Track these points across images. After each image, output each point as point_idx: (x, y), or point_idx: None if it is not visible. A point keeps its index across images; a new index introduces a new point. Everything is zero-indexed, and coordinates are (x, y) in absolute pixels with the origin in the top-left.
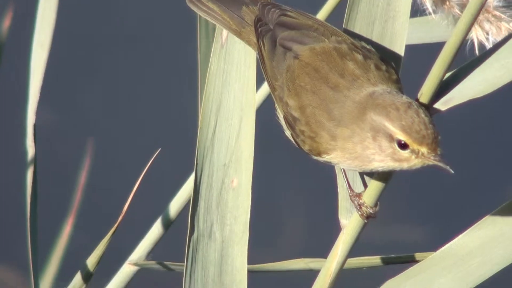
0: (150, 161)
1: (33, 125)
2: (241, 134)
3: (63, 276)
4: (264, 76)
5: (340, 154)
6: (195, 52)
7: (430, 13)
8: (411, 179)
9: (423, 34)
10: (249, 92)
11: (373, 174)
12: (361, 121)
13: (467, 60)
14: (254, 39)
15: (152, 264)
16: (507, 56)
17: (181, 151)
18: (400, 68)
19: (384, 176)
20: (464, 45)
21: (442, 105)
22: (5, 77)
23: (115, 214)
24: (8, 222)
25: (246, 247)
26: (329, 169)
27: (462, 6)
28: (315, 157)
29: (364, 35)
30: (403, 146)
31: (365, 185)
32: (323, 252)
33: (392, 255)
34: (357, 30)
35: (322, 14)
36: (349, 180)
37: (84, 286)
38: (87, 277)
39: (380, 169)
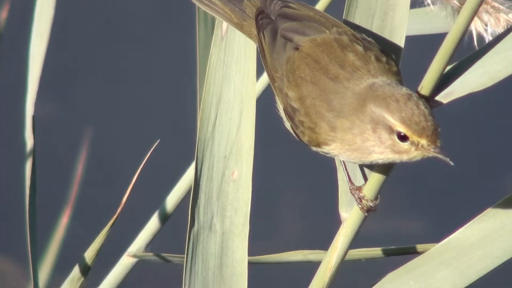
0: (149, 153)
1: (31, 117)
2: (242, 126)
3: (61, 268)
4: (264, 68)
5: (340, 145)
6: (194, 43)
7: (428, 4)
8: (411, 171)
9: (421, 25)
10: (249, 84)
11: (373, 167)
12: (361, 113)
13: (467, 52)
14: (255, 32)
15: (151, 256)
16: (508, 49)
17: (179, 143)
18: (400, 60)
19: (384, 169)
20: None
21: (442, 98)
22: (4, 69)
23: (113, 205)
24: (6, 214)
25: (247, 239)
26: (329, 162)
27: None
28: (314, 149)
29: (364, 28)
30: (402, 138)
31: (365, 178)
32: (323, 245)
33: (393, 247)
34: (357, 23)
35: (320, 6)
36: (349, 173)
37: (83, 278)
38: (86, 269)
39: (380, 161)
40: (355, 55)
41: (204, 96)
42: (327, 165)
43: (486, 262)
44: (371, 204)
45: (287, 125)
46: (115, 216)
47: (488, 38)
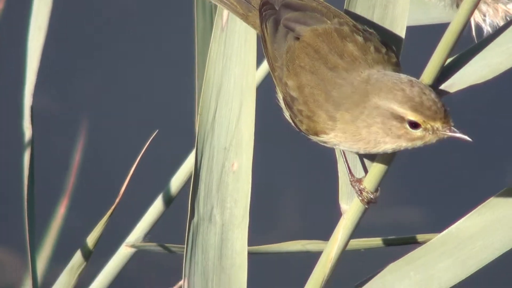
0: (147, 143)
1: (30, 107)
2: (241, 118)
3: (60, 259)
4: (266, 57)
5: (341, 135)
6: (193, 32)
7: None
8: (411, 162)
9: (419, 15)
10: (249, 75)
11: (374, 159)
12: (364, 107)
13: (465, 42)
14: (259, 22)
15: (149, 246)
16: (508, 42)
17: (178, 133)
18: (401, 51)
19: (384, 161)
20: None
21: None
22: (2, 60)
23: (112, 196)
24: (4, 204)
25: (246, 230)
26: (330, 154)
27: None
28: (312, 138)
29: (365, 19)
30: (414, 125)
31: (365, 170)
32: (324, 237)
33: (393, 237)
34: (358, 13)
35: None
36: (349, 165)
37: (81, 268)
38: (84, 259)
39: (390, 150)
40: (354, 45)
41: (204, 88)
42: (327, 157)
43: (487, 253)
44: (372, 196)
45: (286, 114)
46: (113, 206)
47: (486, 28)
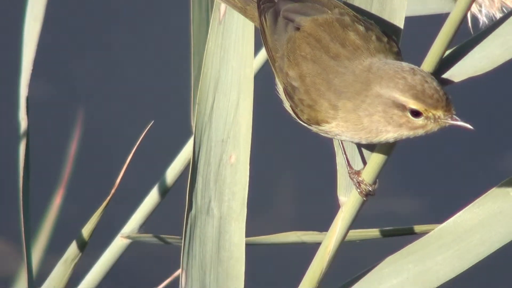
0: (143, 134)
1: (25, 98)
2: (239, 110)
3: (55, 249)
4: (265, 49)
5: (342, 124)
6: (189, 22)
7: None
8: (409, 154)
9: (416, 6)
10: (247, 67)
11: (372, 150)
12: (366, 96)
13: (461, 33)
14: (258, 15)
15: (145, 237)
16: (508, 33)
17: (173, 123)
18: (400, 43)
19: (383, 153)
20: None
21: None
22: None
23: (107, 186)
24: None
25: (244, 223)
26: (328, 146)
27: None
28: (314, 128)
29: (364, 10)
30: (416, 114)
31: (364, 163)
32: (322, 229)
33: (390, 228)
34: (356, 5)
35: None
36: (348, 157)
37: (77, 259)
38: (80, 249)
39: (391, 140)
40: (356, 34)
41: (202, 79)
42: (326, 149)
43: (485, 246)
44: (370, 189)
45: (287, 105)
46: (109, 197)
47: (482, 19)
